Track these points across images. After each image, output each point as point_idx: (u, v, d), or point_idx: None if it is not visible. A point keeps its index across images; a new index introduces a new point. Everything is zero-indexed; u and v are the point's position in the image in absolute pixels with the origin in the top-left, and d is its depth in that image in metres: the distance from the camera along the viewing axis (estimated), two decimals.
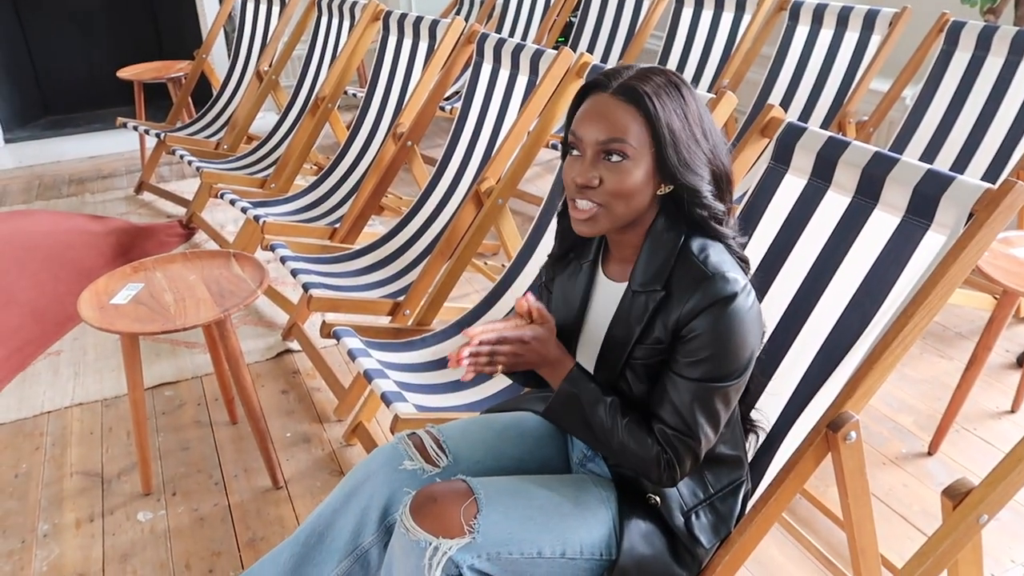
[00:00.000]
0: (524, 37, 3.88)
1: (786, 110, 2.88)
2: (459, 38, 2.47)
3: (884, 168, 1.27)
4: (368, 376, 1.62)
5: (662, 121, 1.02)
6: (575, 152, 1.07)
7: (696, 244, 1.08)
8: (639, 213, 1.08)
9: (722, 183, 1.09)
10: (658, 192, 1.07)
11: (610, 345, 1.14)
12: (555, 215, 1.24)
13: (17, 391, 2.33)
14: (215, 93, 3.76)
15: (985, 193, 1.13)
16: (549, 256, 1.27)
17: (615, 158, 1.03)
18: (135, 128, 3.55)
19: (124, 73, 3.85)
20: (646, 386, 1.12)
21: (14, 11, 4.60)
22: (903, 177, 1.24)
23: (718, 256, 1.07)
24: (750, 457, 1.29)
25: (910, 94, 2.67)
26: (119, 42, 4.80)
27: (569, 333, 1.20)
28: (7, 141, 4.49)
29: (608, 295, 1.17)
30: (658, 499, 1.14)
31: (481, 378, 1.78)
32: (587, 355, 1.19)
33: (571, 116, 1.09)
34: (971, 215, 1.14)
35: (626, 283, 1.14)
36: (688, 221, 1.09)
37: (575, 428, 1.15)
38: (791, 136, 1.43)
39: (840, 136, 1.36)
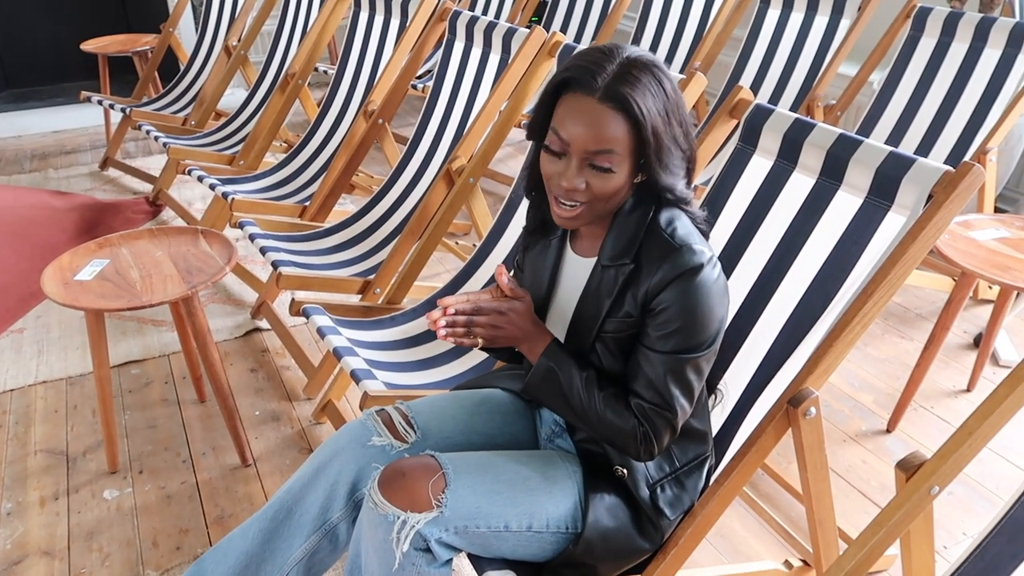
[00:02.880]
0: (497, 16, 3.85)
1: (756, 92, 2.91)
2: (431, 15, 2.45)
3: (848, 150, 1.29)
4: (338, 354, 1.62)
5: (647, 127, 1.03)
6: (556, 150, 1.06)
7: (664, 217, 1.10)
8: (620, 204, 1.11)
9: (691, 168, 1.13)
10: (634, 181, 1.09)
11: (580, 319, 1.16)
12: (525, 192, 1.25)
13: None
14: (182, 68, 3.69)
15: (944, 175, 1.15)
16: (524, 229, 1.28)
17: (603, 163, 1.04)
18: (99, 102, 3.48)
19: (88, 46, 3.76)
20: (617, 360, 1.14)
21: None
22: (866, 159, 1.26)
23: (685, 228, 1.09)
24: (715, 427, 1.31)
25: (877, 79, 2.70)
26: (84, 14, 4.68)
27: (539, 309, 1.21)
28: None
29: (576, 270, 1.18)
30: (625, 471, 1.16)
31: (451, 355, 1.78)
32: (557, 330, 1.21)
33: (549, 107, 1.07)
34: (931, 197, 1.17)
35: (595, 258, 1.15)
36: (656, 198, 1.11)
37: (554, 402, 1.16)
38: (759, 118, 1.45)
39: (806, 118, 1.38)
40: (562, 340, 1.20)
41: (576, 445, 1.23)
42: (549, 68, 2.00)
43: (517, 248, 1.32)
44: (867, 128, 2.57)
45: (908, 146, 2.49)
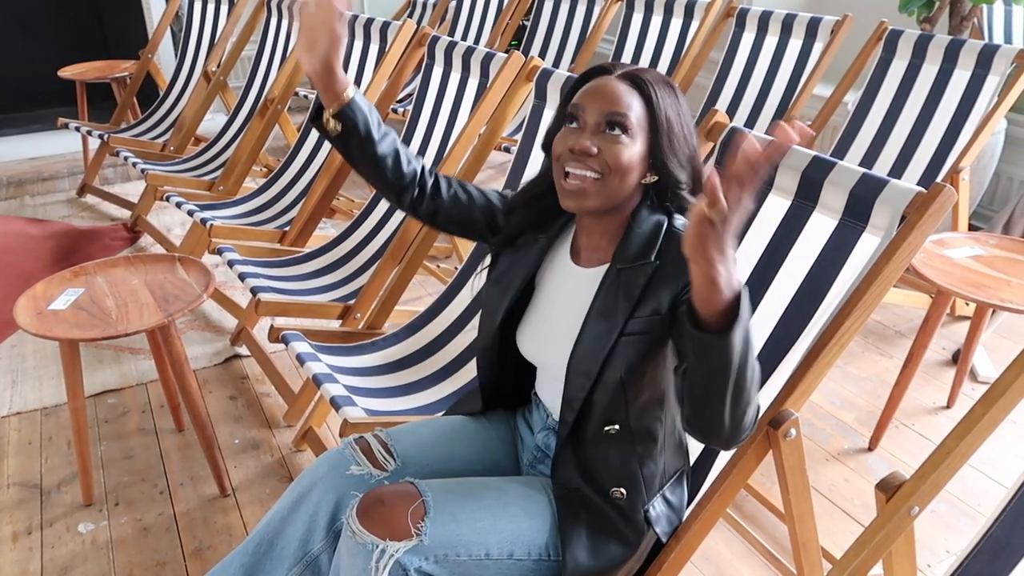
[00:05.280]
0: (477, 40, 3.88)
1: (733, 114, 2.94)
2: (410, 40, 2.46)
3: (822, 172, 1.30)
4: (317, 381, 1.61)
5: (661, 109, 1.08)
6: (573, 125, 1.10)
7: (680, 222, 1.12)
8: (626, 195, 1.10)
9: (697, 184, 1.14)
10: (643, 180, 1.10)
11: (593, 327, 1.10)
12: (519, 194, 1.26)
13: None
14: (161, 93, 3.68)
15: (916, 196, 1.17)
16: (498, 236, 1.27)
17: (616, 131, 1.06)
18: (77, 129, 3.45)
19: (66, 72, 3.75)
20: (638, 362, 1.08)
21: None
22: (840, 181, 1.28)
23: None
24: (696, 449, 1.31)
25: (852, 99, 2.74)
26: (62, 40, 4.67)
27: (510, 308, 1.20)
28: None
29: (570, 278, 1.18)
30: (624, 492, 1.14)
31: (432, 380, 1.77)
32: (534, 333, 1.20)
33: (571, 93, 1.13)
34: (904, 217, 1.18)
35: (594, 268, 1.15)
36: (669, 209, 1.13)
37: (734, 365, 0.92)
38: (734, 139, 1.46)
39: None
40: (540, 343, 1.19)
41: (554, 484, 1.19)
42: (527, 92, 2.02)
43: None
44: (842, 148, 2.61)
45: (883, 165, 2.52)
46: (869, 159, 2.54)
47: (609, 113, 1.06)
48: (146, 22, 4.44)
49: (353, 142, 1.22)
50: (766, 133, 1.23)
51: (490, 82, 2.07)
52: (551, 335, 1.18)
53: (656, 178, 1.10)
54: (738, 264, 0.89)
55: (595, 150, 1.06)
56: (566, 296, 1.18)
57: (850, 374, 2.34)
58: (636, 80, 1.08)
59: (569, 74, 1.86)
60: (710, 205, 0.84)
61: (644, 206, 1.13)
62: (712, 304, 0.89)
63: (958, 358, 2.34)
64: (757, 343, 1.33)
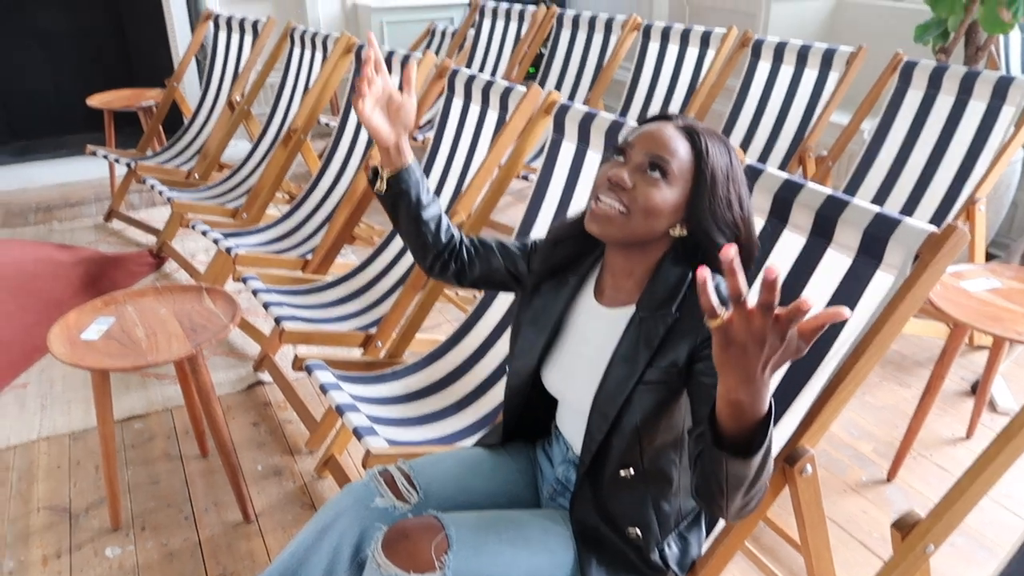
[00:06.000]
0: (495, 68, 3.94)
1: (750, 142, 2.97)
2: (431, 72, 2.52)
3: (836, 210, 1.33)
4: (340, 410, 1.64)
5: (708, 163, 1.08)
6: (619, 158, 1.12)
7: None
8: (651, 237, 1.11)
9: (744, 255, 1.11)
10: (672, 232, 1.11)
11: (616, 370, 1.12)
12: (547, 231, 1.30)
13: None
14: (186, 121, 3.77)
15: (929, 236, 1.19)
16: (532, 272, 1.29)
17: (656, 173, 1.08)
18: (105, 156, 3.54)
19: (94, 101, 3.84)
20: (653, 412, 1.10)
21: None
22: (853, 219, 1.30)
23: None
24: None
25: (868, 127, 2.76)
26: (89, 67, 4.79)
27: (542, 347, 1.23)
28: None
29: (597, 318, 1.19)
30: (639, 532, 1.17)
31: (452, 410, 1.80)
32: (560, 368, 1.22)
33: (630, 133, 1.16)
34: (917, 256, 1.20)
35: (617, 308, 1.17)
36: (696, 260, 1.12)
37: (750, 478, 0.89)
38: (751, 176, 1.49)
39: (796, 178, 1.42)
40: (568, 383, 1.21)
41: (572, 520, 1.22)
42: (546, 125, 2.05)
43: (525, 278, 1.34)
44: (858, 178, 2.63)
45: (899, 195, 2.54)
46: (886, 188, 2.56)
47: (654, 155, 1.08)
48: (171, 50, 4.55)
49: (403, 203, 1.28)
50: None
51: (509, 115, 2.11)
52: (577, 372, 1.20)
53: (686, 232, 1.10)
54: (753, 300, 0.75)
55: (630, 184, 1.08)
56: (592, 334, 1.20)
57: (868, 404, 2.34)
58: (690, 130, 1.10)
59: (587, 109, 1.89)
60: (709, 316, 0.76)
61: (671, 254, 1.13)
62: (734, 422, 0.85)
63: (976, 388, 2.33)
64: (773, 379, 1.34)
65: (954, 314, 1.81)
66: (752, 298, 0.74)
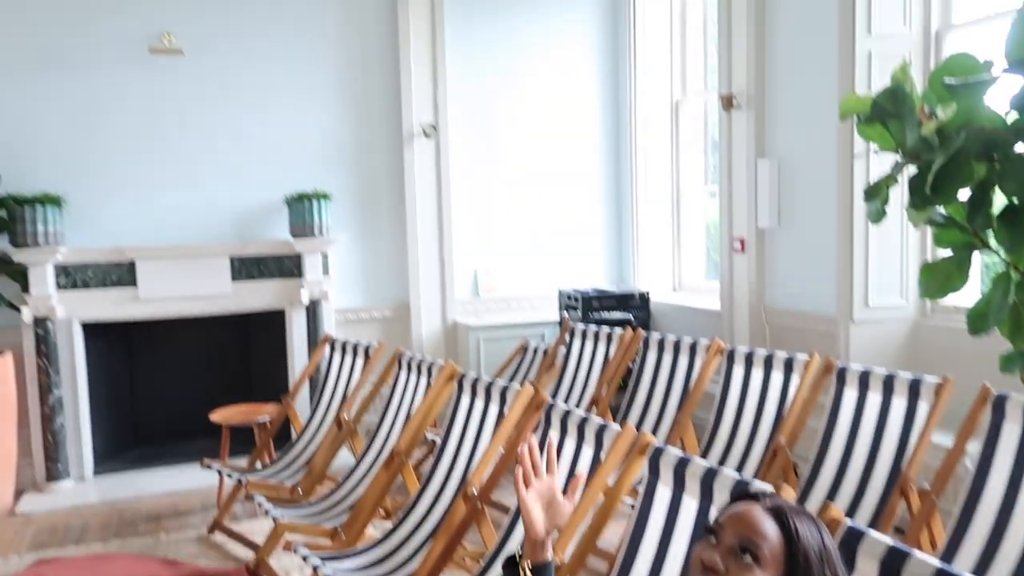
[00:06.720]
0: (585, 384, 4.14)
1: (847, 465, 2.94)
2: (527, 404, 2.69)
3: (899, 561, 1.30)
4: None
5: (800, 546, 1.12)
6: (711, 539, 1.16)
7: None
8: None
9: None
10: None
11: None
12: None
13: None
14: (295, 436, 4.02)
15: None
16: None
17: (747, 558, 1.11)
18: (219, 471, 3.77)
19: (216, 417, 4.19)
20: None
21: (127, 352, 5.15)
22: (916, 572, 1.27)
23: None
24: None
25: (970, 452, 2.69)
26: (214, 380, 5.26)
27: None
28: (96, 473, 4.74)
29: None
30: None
31: None
32: None
33: (722, 511, 1.21)
34: None
35: None
36: None
37: None
38: (853, 540, 1.48)
39: (901, 546, 1.41)
40: None
41: None
42: (641, 466, 2.12)
43: None
44: (967, 516, 2.52)
45: (1015, 535, 2.40)
46: (999, 527, 2.44)
47: (744, 538, 1.13)
48: (288, 369, 5.00)
49: None
50: None
51: (604, 453, 2.21)
52: None
53: None
54: None
55: (722, 568, 1.12)
56: None
57: None
58: (779, 512, 1.15)
59: (681, 454, 1.97)
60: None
61: None
62: None
63: None
64: None
65: None
66: None
